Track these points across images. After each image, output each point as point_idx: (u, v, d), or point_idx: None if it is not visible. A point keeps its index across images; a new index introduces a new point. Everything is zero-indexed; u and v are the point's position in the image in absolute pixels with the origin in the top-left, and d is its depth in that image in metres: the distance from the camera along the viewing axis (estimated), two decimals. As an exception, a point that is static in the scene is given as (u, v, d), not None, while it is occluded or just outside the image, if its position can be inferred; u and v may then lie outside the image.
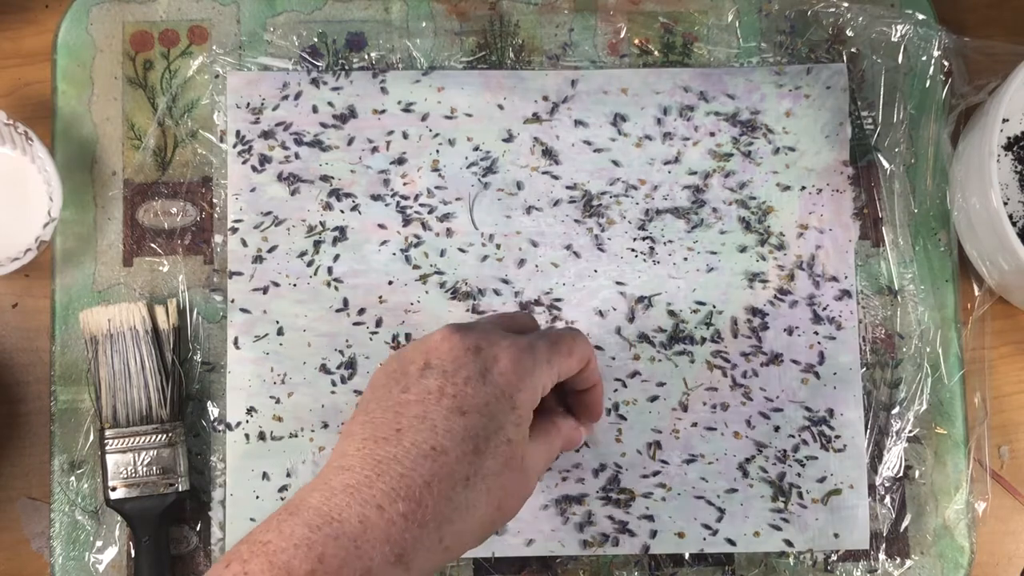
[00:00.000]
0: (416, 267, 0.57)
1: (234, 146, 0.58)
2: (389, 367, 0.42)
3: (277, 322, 0.57)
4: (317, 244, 0.57)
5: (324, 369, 0.57)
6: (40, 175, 0.57)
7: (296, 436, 0.56)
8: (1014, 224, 0.56)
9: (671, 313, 0.57)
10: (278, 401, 0.56)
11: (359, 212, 0.58)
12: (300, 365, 0.57)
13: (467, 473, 0.38)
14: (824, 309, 0.57)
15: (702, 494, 0.56)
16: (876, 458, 0.57)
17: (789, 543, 0.56)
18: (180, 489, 0.54)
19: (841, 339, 0.57)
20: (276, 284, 0.57)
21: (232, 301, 0.57)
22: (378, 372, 0.43)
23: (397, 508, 0.36)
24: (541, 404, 0.43)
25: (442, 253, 0.58)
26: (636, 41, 0.60)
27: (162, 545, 0.54)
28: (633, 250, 0.58)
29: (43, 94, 0.59)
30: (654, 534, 0.56)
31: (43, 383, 0.57)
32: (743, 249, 0.58)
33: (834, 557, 0.56)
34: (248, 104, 0.58)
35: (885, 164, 0.59)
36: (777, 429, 0.57)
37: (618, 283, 0.58)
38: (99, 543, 0.55)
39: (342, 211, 0.58)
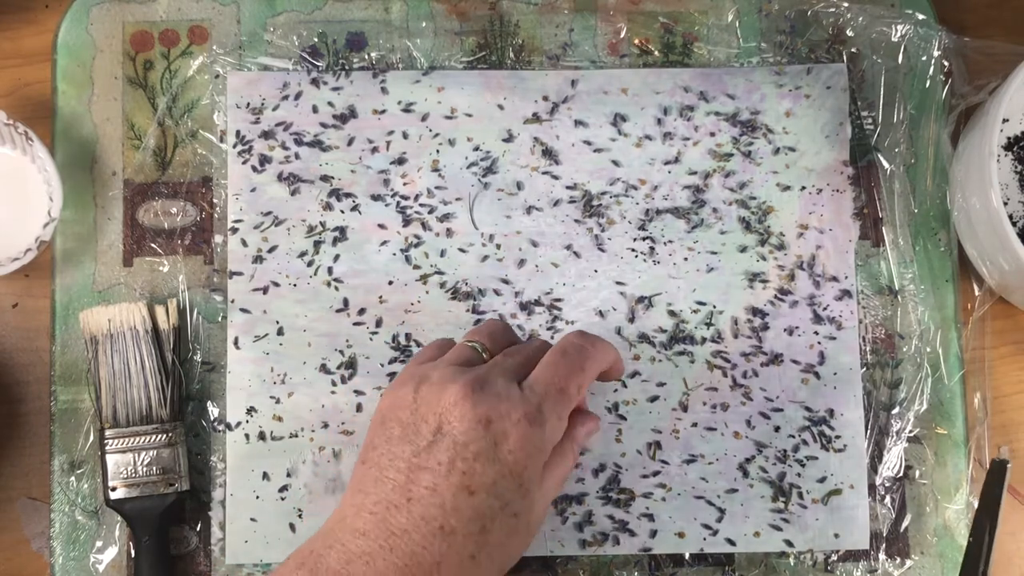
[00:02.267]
0: (416, 267, 0.57)
1: (234, 146, 0.58)
2: (400, 414, 0.43)
3: (277, 322, 0.57)
4: (317, 244, 0.57)
5: (324, 369, 0.57)
6: (40, 175, 0.57)
7: (296, 436, 0.56)
8: (1014, 224, 0.56)
9: (671, 313, 0.57)
10: (278, 401, 0.56)
11: (359, 212, 0.58)
12: (300, 365, 0.57)
13: (473, 551, 0.40)
14: (824, 309, 0.57)
15: (702, 494, 0.56)
16: (876, 458, 0.57)
17: (789, 543, 0.56)
18: (180, 489, 0.54)
19: (841, 339, 0.57)
20: (276, 284, 0.57)
21: (232, 301, 0.57)
22: (387, 410, 0.44)
23: None
24: None
25: (442, 253, 0.58)
26: (636, 41, 0.60)
27: (162, 545, 0.54)
28: (633, 250, 0.58)
29: (43, 94, 0.59)
30: (654, 534, 0.56)
31: (43, 383, 0.57)
32: (743, 249, 0.58)
33: (834, 557, 0.56)
34: (248, 104, 0.58)
35: (885, 164, 0.59)
36: (777, 429, 0.57)
37: (618, 283, 0.58)
38: (99, 543, 0.55)
39: (342, 211, 0.58)
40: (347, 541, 0.40)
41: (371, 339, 0.57)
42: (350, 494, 0.42)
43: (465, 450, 0.40)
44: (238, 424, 0.56)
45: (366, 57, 0.59)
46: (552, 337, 0.57)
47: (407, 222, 0.58)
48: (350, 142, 0.58)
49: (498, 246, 0.58)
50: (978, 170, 0.53)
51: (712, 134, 0.59)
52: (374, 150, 0.58)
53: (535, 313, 0.57)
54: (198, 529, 0.56)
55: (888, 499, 0.56)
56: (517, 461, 0.41)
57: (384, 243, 0.58)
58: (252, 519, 0.55)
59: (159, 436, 0.54)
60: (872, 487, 0.56)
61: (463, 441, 0.41)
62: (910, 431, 0.57)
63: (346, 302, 0.57)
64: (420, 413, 0.42)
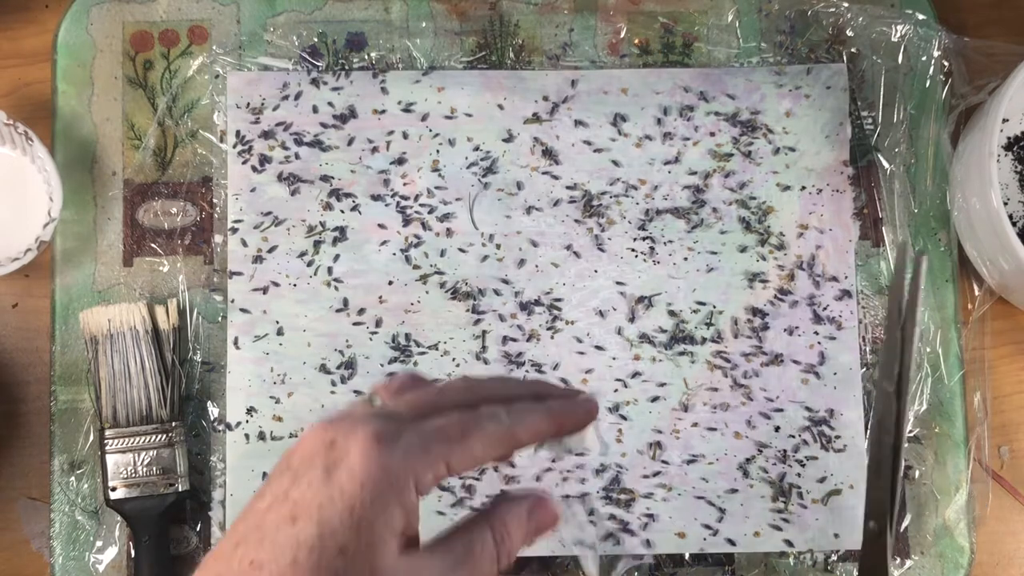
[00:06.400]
0: (416, 267, 0.57)
1: (234, 146, 0.58)
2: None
3: (277, 322, 0.57)
4: (317, 244, 0.57)
5: (324, 369, 0.57)
6: (40, 175, 0.57)
7: (296, 436, 0.56)
8: (1014, 224, 0.56)
9: (671, 313, 0.57)
10: (278, 401, 0.56)
11: (359, 212, 0.58)
12: (300, 365, 0.57)
13: None
14: (824, 309, 0.57)
15: (703, 494, 0.56)
16: (876, 458, 0.57)
17: (789, 543, 0.56)
18: (180, 489, 0.54)
19: (841, 339, 0.57)
20: (276, 284, 0.57)
21: (232, 301, 0.57)
22: None
23: None
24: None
25: (442, 253, 0.58)
26: (636, 41, 0.60)
27: (162, 545, 0.54)
28: (633, 250, 0.58)
29: (43, 94, 0.59)
30: (655, 534, 0.56)
31: (43, 383, 0.57)
32: (743, 249, 0.58)
33: (834, 557, 0.56)
34: (248, 104, 0.58)
35: (885, 164, 0.59)
36: (777, 429, 0.57)
37: (618, 283, 0.58)
38: (99, 543, 0.55)
39: (342, 211, 0.58)
40: None
41: (371, 339, 0.57)
42: None
43: (303, 477, 0.34)
44: (238, 424, 0.56)
45: (366, 57, 0.59)
46: (552, 337, 0.57)
47: (407, 222, 0.58)
48: (350, 142, 0.58)
49: (498, 246, 0.58)
50: (978, 170, 0.53)
51: (712, 134, 0.59)
52: (374, 150, 0.58)
53: (535, 313, 0.57)
54: (198, 529, 0.56)
55: (888, 499, 0.56)
56: (353, 480, 0.33)
57: (384, 243, 0.58)
58: (252, 519, 0.55)
59: (159, 436, 0.54)
60: (872, 487, 0.56)
61: (303, 469, 0.34)
62: (910, 431, 0.57)
63: (346, 302, 0.57)
64: (280, 461, 0.36)
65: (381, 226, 0.58)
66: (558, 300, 0.57)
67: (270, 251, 0.57)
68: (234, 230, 0.57)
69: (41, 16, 0.60)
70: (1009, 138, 0.58)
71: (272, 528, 0.34)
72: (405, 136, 0.58)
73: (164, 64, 0.59)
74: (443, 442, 0.35)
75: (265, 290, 0.57)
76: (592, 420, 0.40)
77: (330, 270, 0.57)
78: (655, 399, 0.57)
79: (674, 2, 0.60)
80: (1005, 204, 0.54)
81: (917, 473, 0.56)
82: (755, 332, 0.57)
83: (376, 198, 0.58)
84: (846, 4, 0.59)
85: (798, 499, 0.56)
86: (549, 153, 0.58)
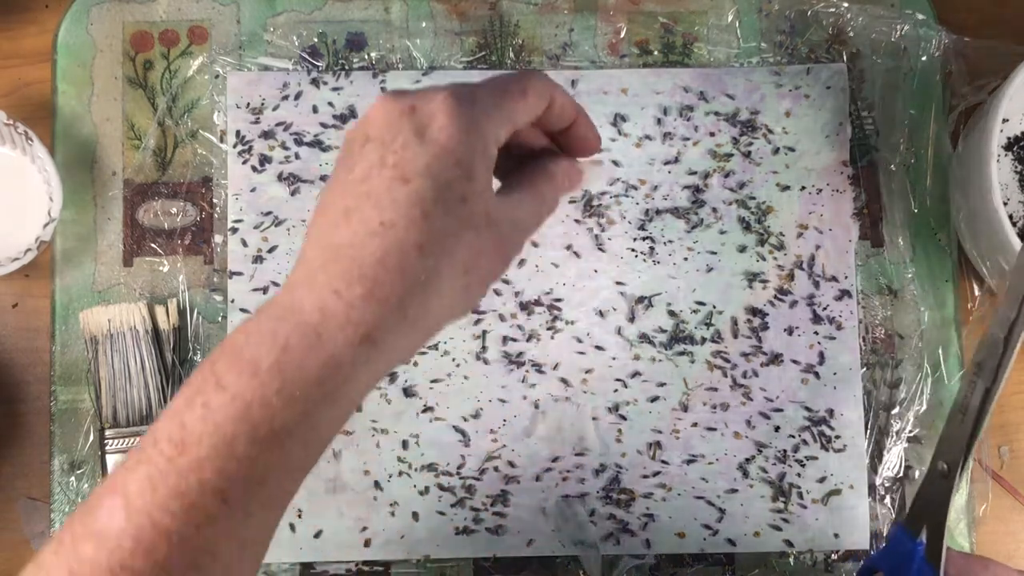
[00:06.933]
0: (416, 267, 0.57)
1: (234, 146, 0.58)
2: (340, 153, 0.40)
3: (277, 322, 0.57)
4: (317, 244, 0.57)
5: (324, 369, 0.57)
6: (40, 175, 0.57)
7: (296, 436, 0.56)
8: (1014, 224, 0.56)
9: (671, 313, 0.57)
10: (278, 401, 0.56)
11: (359, 212, 0.58)
12: (300, 365, 0.56)
13: (418, 241, 0.36)
14: (824, 309, 0.57)
15: (702, 494, 0.56)
16: (876, 458, 0.57)
17: (789, 543, 0.56)
18: (180, 489, 0.54)
19: (841, 339, 0.57)
20: (276, 284, 0.57)
21: (232, 301, 0.57)
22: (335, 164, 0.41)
23: (354, 291, 0.35)
24: (527, 152, 0.43)
25: (442, 253, 0.57)
26: (636, 41, 0.60)
27: (162, 545, 0.54)
28: (633, 250, 0.58)
29: (43, 94, 0.59)
30: (655, 534, 0.56)
31: (43, 383, 0.57)
32: (743, 249, 0.58)
33: (834, 557, 0.56)
34: (248, 104, 0.58)
35: (885, 164, 0.59)
36: (777, 429, 0.57)
37: (618, 283, 0.58)
38: (99, 543, 0.55)
39: (342, 211, 0.58)
40: (292, 275, 0.37)
41: (371, 339, 0.57)
42: (301, 246, 0.39)
43: (393, 143, 0.37)
44: (238, 424, 0.56)
45: (366, 57, 0.59)
46: (552, 337, 0.57)
47: (407, 222, 0.58)
48: (350, 142, 0.58)
49: (498, 246, 0.58)
50: (978, 170, 0.53)
51: (712, 134, 0.59)
52: (374, 150, 0.58)
53: (535, 313, 0.57)
54: (198, 529, 0.56)
55: (888, 499, 0.56)
56: (450, 137, 0.37)
57: (384, 243, 0.57)
58: (252, 519, 0.55)
59: (159, 436, 0.54)
60: (872, 487, 0.56)
61: (389, 136, 0.37)
62: (910, 431, 0.57)
63: (346, 302, 0.57)
64: (351, 137, 0.39)
65: (381, 226, 0.58)
66: (558, 300, 0.57)
67: (270, 251, 0.57)
68: (234, 230, 0.57)
69: (41, 16, 0.60)
70: (1009, 138, 0.58)
71: (385, 191, 0.36)
72: (405, 136, 0.58)
73: (164, 64, 0.59)
74: (511, 98, 0.39)
75: (265, 290, 0.57)
76: (598, 146, 0.45)
77: (330, 270, 0.57)
78: (655, 399, 0.57)
79: (674, 2, 0.60)
80: (1005, 204, 0.54)
81: (917, 473, 0.56)
82: (754, 332, 0.57)
83: (376, 198, 0.58)
84: (846, 4, 0.59)
85: (798, 499, 0.56)
86: (549, 153, 0.58)
